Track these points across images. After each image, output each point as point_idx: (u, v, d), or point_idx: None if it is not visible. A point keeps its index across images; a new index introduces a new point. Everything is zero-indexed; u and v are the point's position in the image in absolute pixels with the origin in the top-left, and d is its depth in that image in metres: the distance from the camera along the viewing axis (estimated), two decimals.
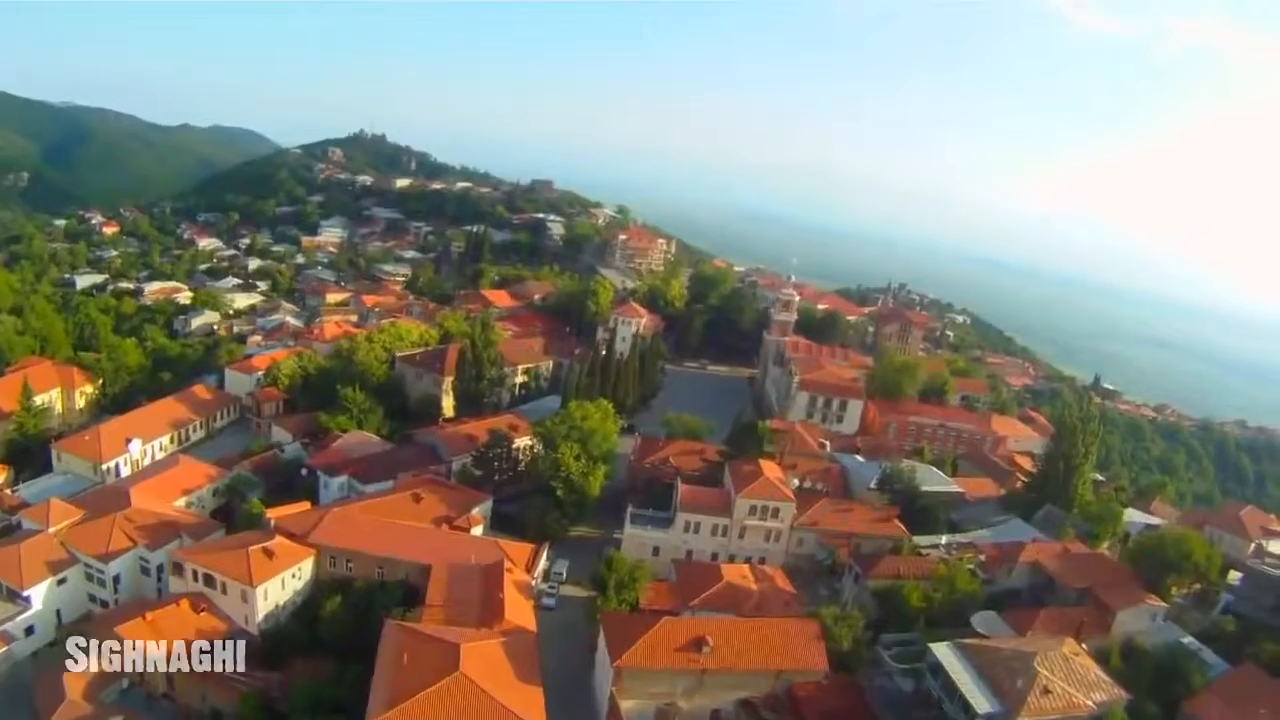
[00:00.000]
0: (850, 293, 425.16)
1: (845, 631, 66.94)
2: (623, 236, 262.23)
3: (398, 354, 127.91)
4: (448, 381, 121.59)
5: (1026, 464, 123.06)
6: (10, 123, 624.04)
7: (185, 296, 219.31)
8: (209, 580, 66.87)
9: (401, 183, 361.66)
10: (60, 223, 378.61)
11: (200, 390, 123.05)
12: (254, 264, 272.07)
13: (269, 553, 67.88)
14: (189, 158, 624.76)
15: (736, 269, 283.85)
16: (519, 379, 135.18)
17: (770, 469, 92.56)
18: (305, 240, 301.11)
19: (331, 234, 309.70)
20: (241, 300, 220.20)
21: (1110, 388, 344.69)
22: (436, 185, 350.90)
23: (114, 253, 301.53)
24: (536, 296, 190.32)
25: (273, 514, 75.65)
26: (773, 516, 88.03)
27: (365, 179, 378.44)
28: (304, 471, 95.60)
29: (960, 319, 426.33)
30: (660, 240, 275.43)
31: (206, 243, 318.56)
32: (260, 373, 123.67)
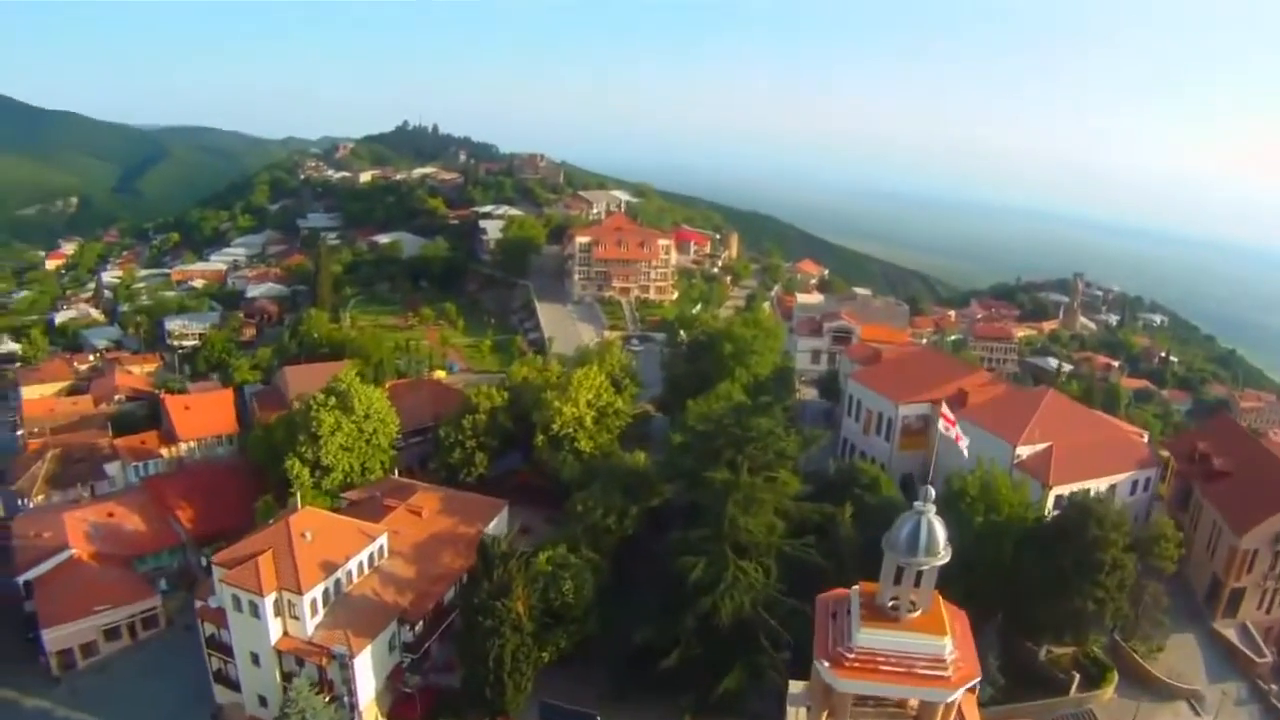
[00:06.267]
0: (1012, 292, 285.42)
1: None
2: (582, 239, 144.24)
3: None
4: None
5: None
6: (91, 147, 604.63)
7: None
8: None
9: (365, 177, 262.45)
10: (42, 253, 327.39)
11: None
12: (64, 315, 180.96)
13: None
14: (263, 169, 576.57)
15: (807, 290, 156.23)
16: None
17: None
18: (176, 271, 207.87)
19: (223, 258, 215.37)
20: None
21: None
22: (400, 176, 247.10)
23: None
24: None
25: None
26: None
27: (349, 175, 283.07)
28: None
29: (1156, 320, 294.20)
30: (665, 241, 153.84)
31: (111, 274, 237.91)
32: None
